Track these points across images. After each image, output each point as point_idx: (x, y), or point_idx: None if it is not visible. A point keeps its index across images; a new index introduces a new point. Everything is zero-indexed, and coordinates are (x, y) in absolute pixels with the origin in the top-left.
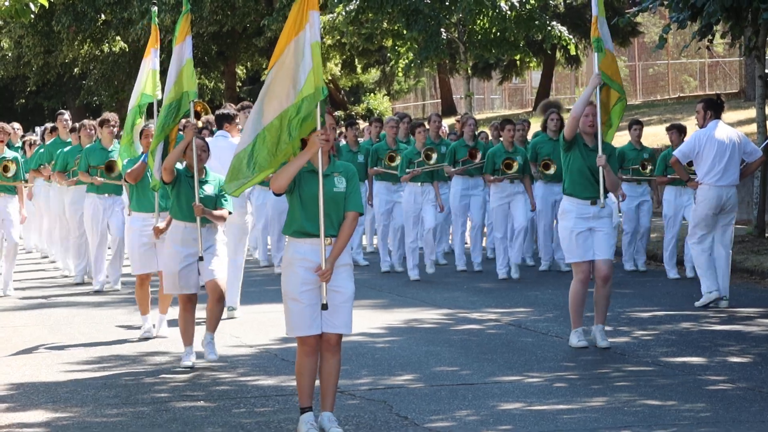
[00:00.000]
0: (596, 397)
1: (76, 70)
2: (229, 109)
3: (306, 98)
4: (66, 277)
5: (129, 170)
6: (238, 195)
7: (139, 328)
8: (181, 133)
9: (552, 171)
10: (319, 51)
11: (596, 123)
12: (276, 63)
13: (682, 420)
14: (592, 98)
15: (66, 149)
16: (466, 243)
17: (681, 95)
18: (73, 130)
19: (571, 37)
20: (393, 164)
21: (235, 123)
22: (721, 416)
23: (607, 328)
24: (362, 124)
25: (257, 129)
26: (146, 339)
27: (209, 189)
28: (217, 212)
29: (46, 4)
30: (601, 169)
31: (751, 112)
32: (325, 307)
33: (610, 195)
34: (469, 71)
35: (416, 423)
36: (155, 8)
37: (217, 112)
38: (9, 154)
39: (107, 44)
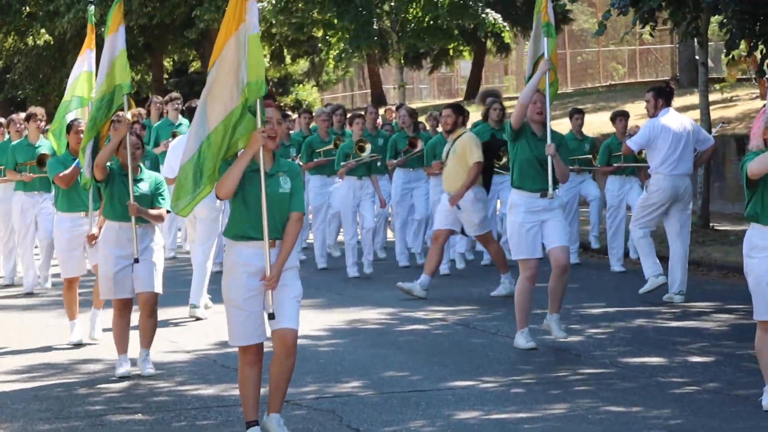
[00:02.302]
0: (557, 404)
1: None
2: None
3: (249, 96)
4: None
5: (61, 174)
6: (186, 214)
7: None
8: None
9: (503, 162)
10: (258, 43)
11: (545, 111)
12: (216, 61)
13: (651, 428)
14: (539, 86)
15: None
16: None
17: (612, 83)
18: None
19: (505, 24)
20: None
21: None
22: (691, 423)
23: None
24: (292, 116)
25: (201, 136)
26: (77, 345)
27: (144, 187)
28: (153, 211)
29: None
30: (550, 158)
31: (687, 99)
32: (272, 316)
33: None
34: (402, 61)
35: None
36: (92, 7)
37: (188, 104)
38: None
39: (32, 37)
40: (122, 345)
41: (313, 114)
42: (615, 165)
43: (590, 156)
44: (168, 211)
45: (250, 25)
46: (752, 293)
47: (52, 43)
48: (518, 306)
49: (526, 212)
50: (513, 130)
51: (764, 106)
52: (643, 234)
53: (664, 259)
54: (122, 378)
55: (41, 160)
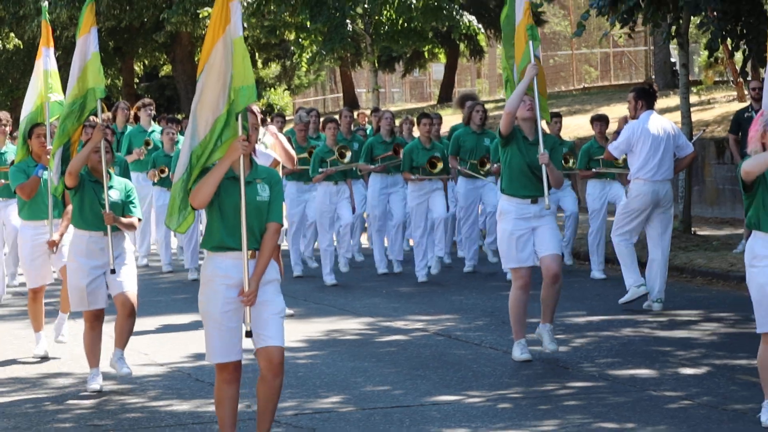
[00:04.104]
0: (547, 420)
1: None
2: None
3: (233, 103)
4: None
5: (22, 184)
6: (184, 231)
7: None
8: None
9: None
10: (243, 47)
11: (535, 109)
12: (204, 67)
13: None
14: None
15: None
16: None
17: (586, 86)
18: None
19: (479, 26)
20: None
21: None
22: None
23: None
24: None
25: (192, 147)
26: (42, 359)
27: (115, 194)
28: (125, 220)
29: None
30: (544, 167)
31: (662, 102)
32: (249, 334)
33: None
34: (375, 64)
35: None
36: (46, 3)
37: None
38: None
39: (1, 41)
40: (94, 358)
41: (293, 120)
42: (594, 170)
43: (566, 159)
44: (139, 220)
45: (234, 28)
46: (755, 304)
47: (21, 47)
48: (513, 317)
49: (517, 219)
50: (503, 137)
51: (761, 111)
52: (625, 243)
53: (644, 265)
54: (94, 393)
55: None
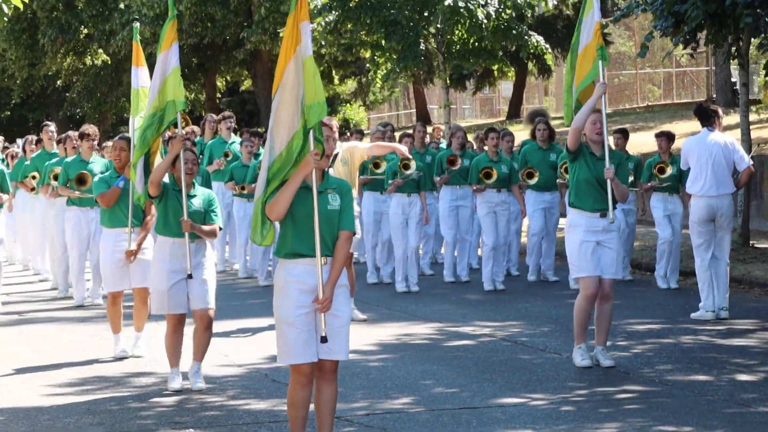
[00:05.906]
0: (608, 423)
1: (59, 82)
2: None
3: (309, 118)
4: (54, 289)
5: (102, 193)
6: (269, 244)
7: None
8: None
9: (535, 180)
10: (313, 65)
11: (603, 130)
12: (279, 86)
13: None
14: (597, 106)
15: (52, 161)
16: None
17: (649, 104)
18: (59, 141)
19: (547, 46)
20: (378, 171)
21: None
22: None
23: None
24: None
25: (270, 163)
26: (121, 359)
27: (197, 203)
28: (206, 227)
29: (21, 6)
30: (609, 182)
31: (724, 120)
32: (324, 339)
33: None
34: (447, 81)
35: None
36: (137, 24)
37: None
38: None
39: (89, 57)
40: (175, 359)
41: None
42: (650, 183)
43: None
44: (220, 228)
45: (304, 48)
46: None
47: (109, 62)
48: (577, 322)
49: (586, 231)
50: (570, 152)
51: None
52: (700, 259)
53: (692, 274)
54: (175, 392)
55: (81, 179)
